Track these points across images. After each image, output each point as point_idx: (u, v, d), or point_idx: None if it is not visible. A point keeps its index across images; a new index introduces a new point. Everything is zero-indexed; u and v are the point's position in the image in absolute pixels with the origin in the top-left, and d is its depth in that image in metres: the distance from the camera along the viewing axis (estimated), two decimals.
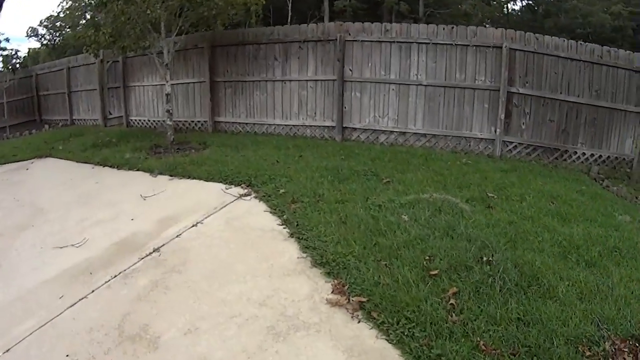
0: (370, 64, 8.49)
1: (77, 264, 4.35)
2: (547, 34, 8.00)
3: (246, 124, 9.93)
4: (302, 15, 20.04)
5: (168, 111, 8.56)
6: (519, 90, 7.68)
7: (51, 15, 33.74)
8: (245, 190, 5.88)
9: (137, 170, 7.37)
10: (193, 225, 4.88)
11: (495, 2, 25.93)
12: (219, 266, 4.04)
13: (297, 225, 4.59)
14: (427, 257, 3.72)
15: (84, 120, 13.28)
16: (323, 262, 3.82)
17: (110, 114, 12.24)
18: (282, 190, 5.62)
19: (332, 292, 3.42)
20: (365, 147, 8.29)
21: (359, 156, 7.66)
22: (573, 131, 8.01)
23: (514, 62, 7.63)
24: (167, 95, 8.54)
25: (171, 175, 6.90)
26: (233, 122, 10.06)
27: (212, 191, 6.00)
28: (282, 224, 4.75)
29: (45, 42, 33.84)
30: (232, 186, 6.05)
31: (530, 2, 25.52)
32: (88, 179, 7.27)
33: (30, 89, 14.95)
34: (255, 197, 5.63)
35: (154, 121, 11.26)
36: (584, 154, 8.06)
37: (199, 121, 10.47)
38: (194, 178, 6.62)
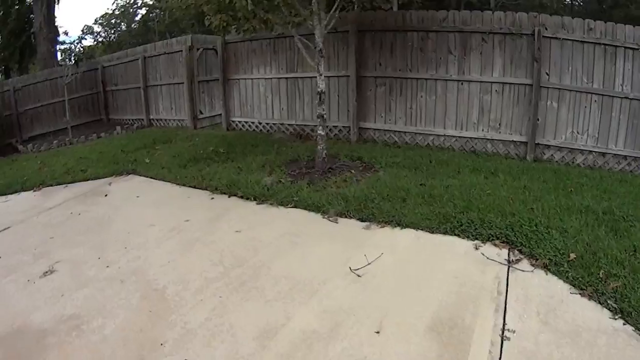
0: (570, 68, 6.06)
1: None
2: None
3: (404, 133, 7.11)
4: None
5: (321, 116, 5.72)
6: None
7: (106, 13, 33.42)
8: (506, 251, 3.69)
9: (293, 206, 4.70)
10: (504, 338, 2.64)
11: None
12: None
13: None
14: None
15: (165, 120, 10.36)
16: None
17: (201, 113, 9.39)
18: (572, 255, 3.48)
19: None
20: (576, 173, 5.76)
21: (585, 187, 5.14)
22: None
23: None
24: (320, 94, 5.69)
25: (362, 220, 4.31)
26: (386, 130, 7.25)
27: (457, 253, 3.69)
28: (616, 317, 2.89)
29: (100, 39, 32.17)
30: (478, 241, 3.84)
31: None
32: (218, 222, 4.43)
33: (95, 84, 11.70)
34: (534, 265, 3.47)
35: (267, 124, 8.41)
36: None
37: (335, 127, 7.61)
38: (407, 226, 4.14)
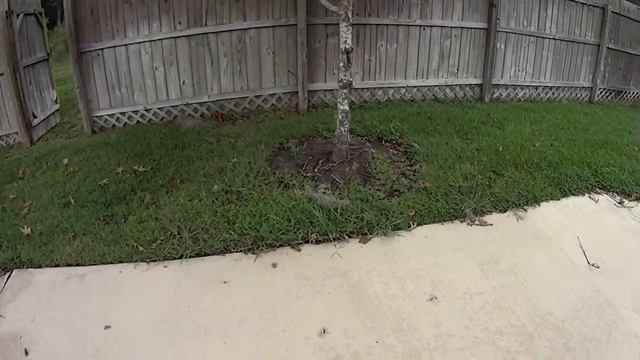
0: (515, 13, 6.26)
1: None
2: None
3: (362, 89, 5.69)
4: None
5: (349, 84, 3.78)
6: (608, 46, 7.35)
7: None
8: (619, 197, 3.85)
9: (417, 224, 3.16)
10: None
11: None
12: None
13: None
14: None
15: None
16: None
17: (35, 117, 5.18)
18: None
19: None
20: (537, 108, 6.18)
21: (559, 121, 5.64)
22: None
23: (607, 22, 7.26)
24: (346, 52, 3.65)
25: (502, 211, 3.44)
26: None
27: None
28: None
29: None
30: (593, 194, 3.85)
31: None
32: (376, 314, 2.54)
33: None
34: None
35: (160, 110, 5.32)
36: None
37: (271, 95, 5.46)
38: (540, 200, 3.61)
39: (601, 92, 7.69)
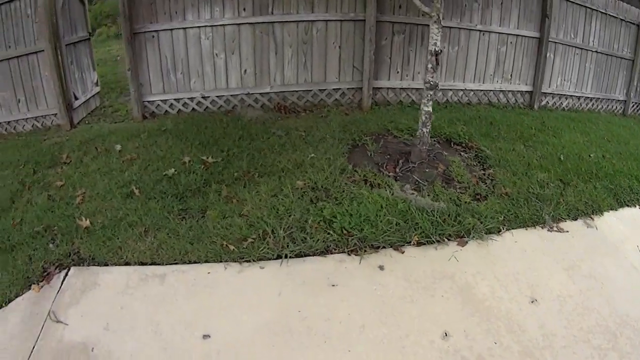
0: (564, 25, 6.30)
1: None
2: None
3: (422, 90, 5.55)
4: None
5: (435, 85, 3.69)
6: None
7: None
8: None
9: (508, 228, 3.20)
10: None
11: None
12: None
13: None
14: None
15: (8, 124, 4.88)
16: None
17: (76, 98, 4.89)
18: None
19: None
20: (584, 118, 6.19)
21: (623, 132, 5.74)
22: None
23: None
24: (435, 54, 3.54)
25: (573, 219, 3.52)
26: (403, 89, 5.48)
27: None
28: None
29: None
30: None
31: None
32: None
33: None
34: None
35: (219, 99, 5.07)
36: None
37: (335, 90, 5.30)
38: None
39: (633, 106, 7.76)
